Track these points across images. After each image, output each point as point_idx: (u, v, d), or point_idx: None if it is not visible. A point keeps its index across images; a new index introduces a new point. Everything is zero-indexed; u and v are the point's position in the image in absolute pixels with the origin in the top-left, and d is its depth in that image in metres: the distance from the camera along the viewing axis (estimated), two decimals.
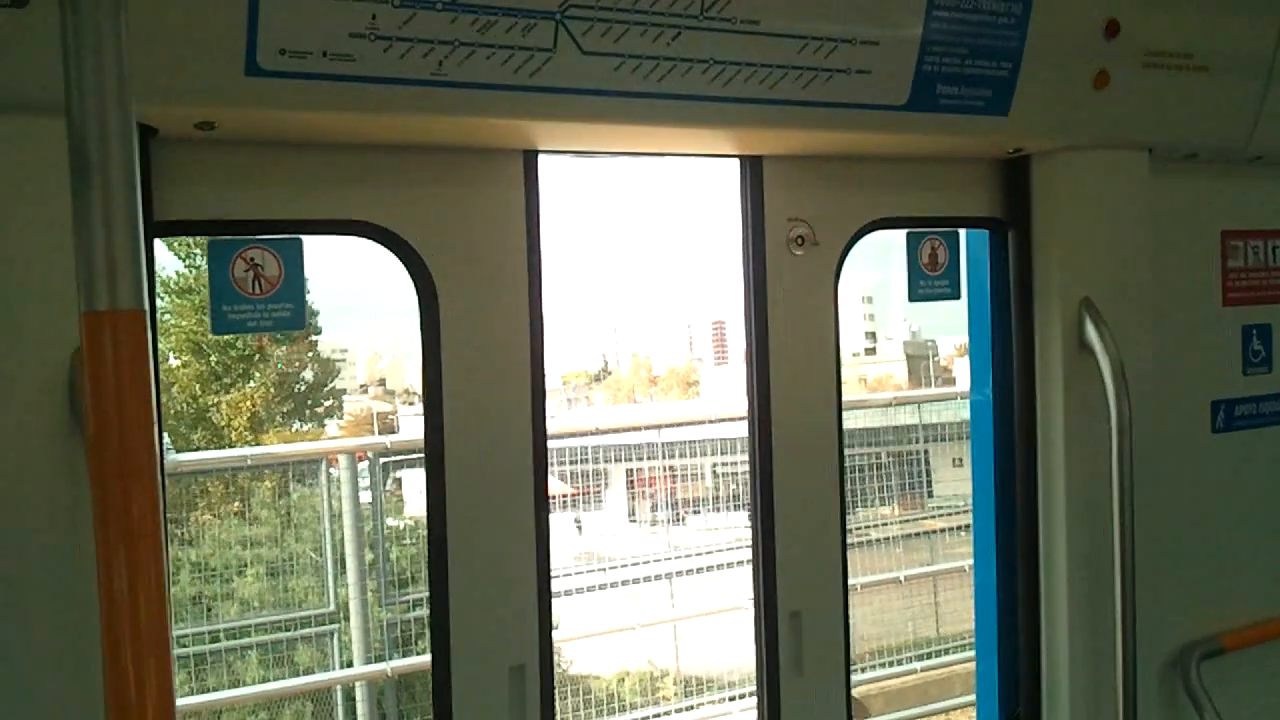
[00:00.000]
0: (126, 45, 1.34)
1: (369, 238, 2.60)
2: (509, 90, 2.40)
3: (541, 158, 2.87)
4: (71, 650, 2.10)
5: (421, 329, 2.69)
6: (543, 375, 2.81)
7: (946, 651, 11.73)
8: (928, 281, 3.39)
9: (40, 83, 1.98)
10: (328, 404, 27.25)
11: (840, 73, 2.71)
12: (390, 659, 9.63)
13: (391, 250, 2.63)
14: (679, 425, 14.24)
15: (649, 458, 13.10)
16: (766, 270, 3.09)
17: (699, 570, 11.73)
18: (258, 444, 22.81)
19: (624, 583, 11.49)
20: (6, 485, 2.05)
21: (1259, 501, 3.76)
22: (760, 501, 3.13)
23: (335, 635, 10.00)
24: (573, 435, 14.34)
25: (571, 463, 14.03)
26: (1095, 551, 3.22)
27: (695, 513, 14.76)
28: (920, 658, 11.50)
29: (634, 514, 18.71)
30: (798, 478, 3.16)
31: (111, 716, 1.38)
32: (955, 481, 14.49)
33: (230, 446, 22.53)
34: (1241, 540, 3.71)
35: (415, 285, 2.67)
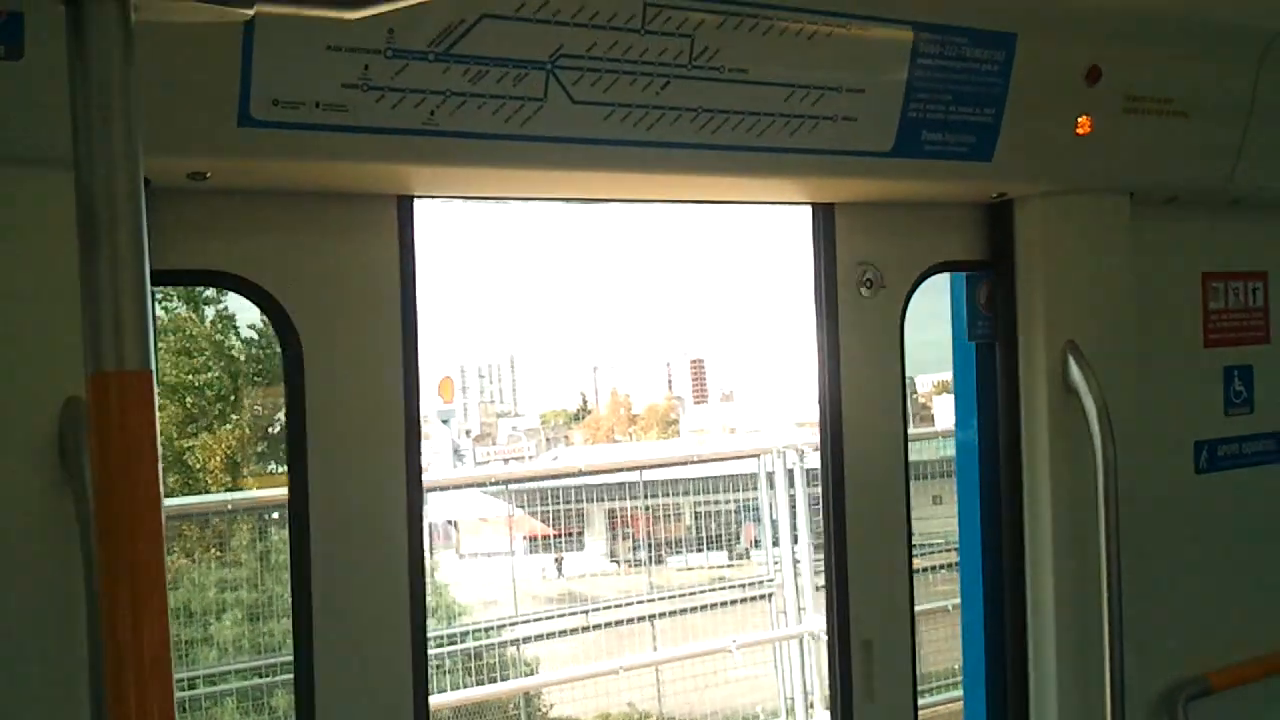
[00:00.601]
0: (137, 104, 1.35)
1: (226, 288, 2.54)
2: (499, 139, 2.41)
3: (530, 206, 2.88)
4: (62, 700, 2.08)
5: (285, 383, 2.59)
6: (418, 432, 2.72)
7: (930, 692, 11.70)
8: (985, 321, 3.44)
9: (34, 135, 1.98)
10: None
11: (827, 119, 2.74)
12: None
13: (252, 300, 2.56)
14: (661, 466, 14.21)
15: (630, 497, 13.06)
16: (839, 312, 3.20)
17: (681, 612, 11.67)
18: (236, 487, 22.68)
19: (605, 625, 11.41)
20: None
21: (1243, 541, 3.78)
22: (833, 534, 3.22)
23: None
24: (554, 477, 14.30)
25: (552, 503, 13.99)
26: (1082, 591, 3.23)
27: (675, 552, 14.71)
28: None
29: (614, 554, 18.64)
30: (867, 510, 3.26)
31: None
32: (935, 519, 14.50)
33: (206, 490, 22.40)
34: (1226, 580, 3.73)
35: (279, 338, 2.60)
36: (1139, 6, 3.07)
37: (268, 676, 10.15)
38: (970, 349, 3.51)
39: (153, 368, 1.33)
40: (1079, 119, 3.11)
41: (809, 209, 3.25)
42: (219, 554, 13.99)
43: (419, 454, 2.70)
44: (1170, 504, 3.55)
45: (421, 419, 2.73)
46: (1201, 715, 3.54)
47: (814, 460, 11.60)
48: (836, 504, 3.21)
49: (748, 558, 14.38)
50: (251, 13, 1.47)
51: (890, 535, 3.26)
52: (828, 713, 11.08)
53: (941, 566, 12.56)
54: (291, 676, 9.84)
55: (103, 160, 1.33)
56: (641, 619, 11.50)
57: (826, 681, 10.85)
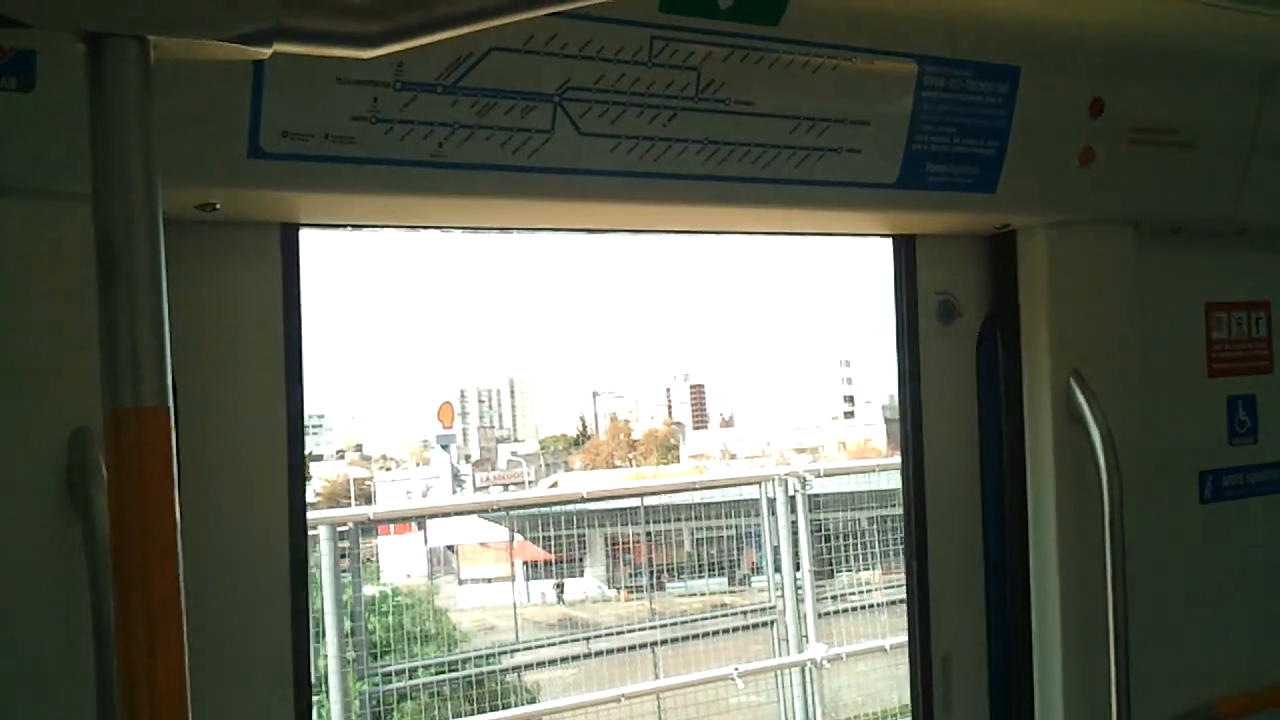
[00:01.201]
0: (155, 140, 1.36)
1: None
2: (506, 171, 2.43)
3: (532, 234, 2.88)
4: None
5: None
6: (302, 479, 2.59)
7: None
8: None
9: (44, 167, 1.99)
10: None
11: (832, 151, 2.75)
12: None
13: None
14: (661, 492, 14.21)
15: (630, 523, 13.07)
16: (919, 342, 3.31)
17: (682, 639, 11.66)
18: None
19: (606, 651, 11.40)
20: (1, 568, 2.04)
21: (1248, 570, 3.77)
22: (914, 553, 3.32)
23: (315, 708, 9.86)
24: (555, 503, 14.31)
25: (553, 529, 14.00)
26: (1087, 621, 3.23)
27: (676, 579, 14.72)
28: None
29: (614, 580, 18.62)
30: (944, 532, 3.35)
31: None
32: None
33: None
34: (1232, 610, 3.71)
35: None
36: (1142, 39, 3.07)
37: None
38: (971, 372, 3.52)
39: (170, 404, 1.34)
40: (1082, 150, 3.12)
41: (889, 240, 3.34)
42: None
43: (303, 496, 2.58)
44: (1175, 534, 3.54)
45: (308, 456, 2.54)
46: None
47: (816, 487, 11.64)
48: (918, 525, 3.30)
49: (748, 584, 14.39)
50: (269, 53, 1.48)
51: (967, 554, 3.39)
52: None
53: None
54: None
55: (121, 195, 1.34)
56: (643, 646, 11.48)
57: (826, 709, 10.91)
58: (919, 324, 3.30)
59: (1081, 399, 3.22)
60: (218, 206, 2.28)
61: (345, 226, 2.62)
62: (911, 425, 3.36)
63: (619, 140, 2.51)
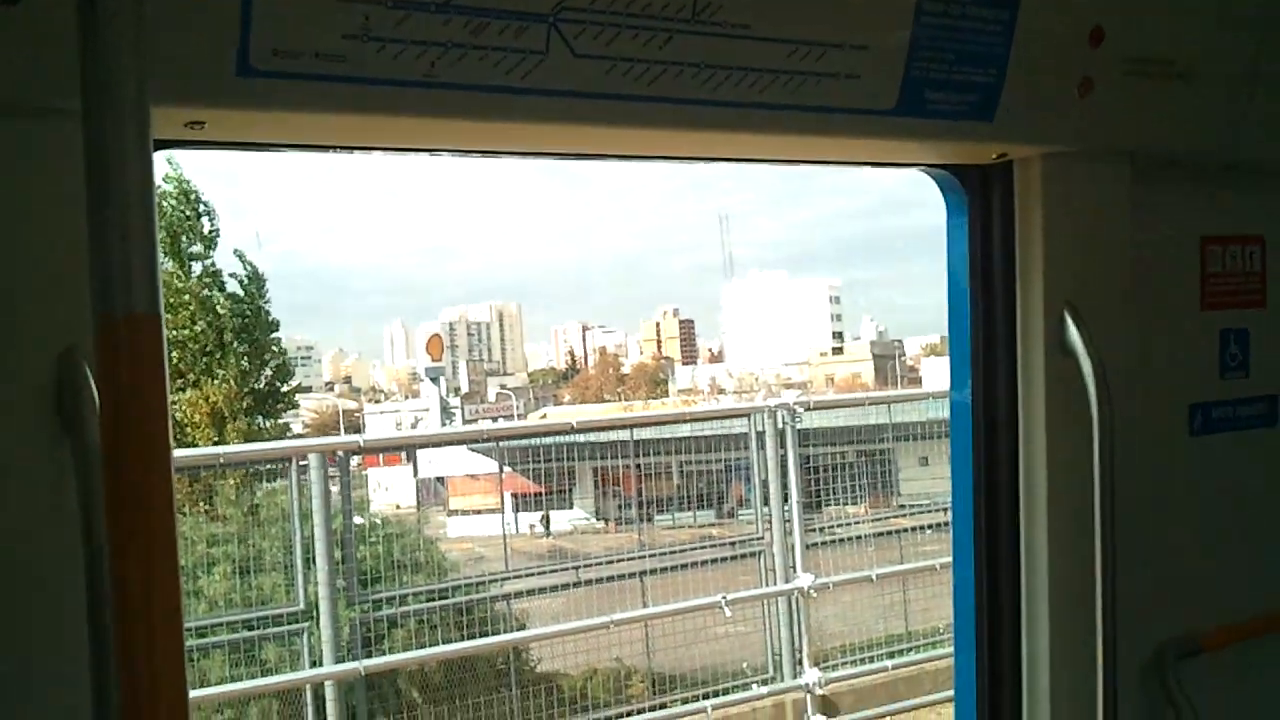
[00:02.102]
0: (146, 55, 1.34)
1: None
2: (499, 92, 2.40)
3: (525, 160, 2.84)
4: (61, 652, 2.07)
5: None
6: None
7: (916, 649, 11.83)
8: None
9: (31, 83, 1.96)
10: (285, 403, 27.07)
11: (829, 77, 2.72)
12: (360, 658, 9.61)
13: None
14: (651, 423, 14.28)
15: (619, 456, 13.13)
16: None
17: (670, 569, 11.76)
18: (222, 442, 22.76)
19: (595, 581, 11.50)
20: None
21: (1235, 503, 3.79)
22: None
23: (305, 634, 9.97)
24: (544, 434, 14.37)
25: (542, 461, 14.06)
26: (1077, 552, 3.24)
27: (663, 511, 14.83)
28: (890, 655, 11.60)
29: (602, 512, 18.77)
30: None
31: (127, 706, 1.36)
32: (921, 480, 14.63)
33: (192, 445, 22.50)
34: (1218, 542, 3.74)
35: None
36: None
37: (257, 629, 10.18)
38: (966, 310, 3.50)
39: (160, 312, 1.33)
40: (1081, 80, 3.08)
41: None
42: (208, 508, 14.06)
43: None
44: (1164, 466, 3.55)
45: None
46: (1191, 675, 3.56)
47: (805, 421, 11.69)
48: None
49: (735, 517, 14.51)
50: None
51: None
52: (816, 669, 11.28)
53: (928, 527, 12.70)
54: (280, 629, 9.86)
55: (112, 113, 1.32)
56: (631, 575, 11.59)
57: (812, 638, 11.06)
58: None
59: (1074, 330, 3.22)
60: (206, 125, 2.25)
61: (336, 148, 2.58)
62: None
63: (614, 63, 2.47)
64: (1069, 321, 3.25)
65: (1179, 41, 3.24)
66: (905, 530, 12.74)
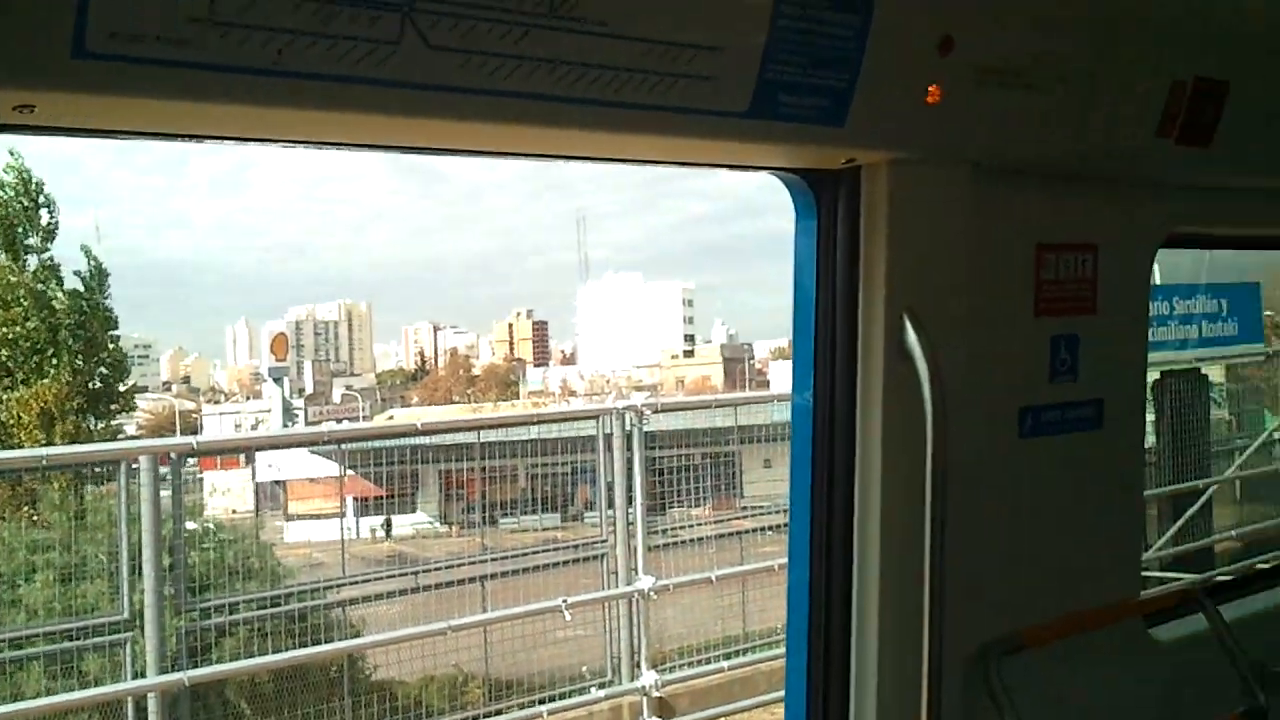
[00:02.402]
0: None
1: None
2: (349, 82, 2.29)
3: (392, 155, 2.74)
4: None
5: None
6: None
7: (753, 650, 11.94)
8: None
9: None
10: (120, 403, 26.24)
11: (684, 77, 2.69)
12: (186, 669, 9.26)
13: None
14: (498, 425, 14.13)
15: (465, 459, 12.97)
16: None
17: (512, 573, 11.65)
18: (50, 444, 21.87)
19: (435, 586, 11.31)
20: None
21: (1061, 503, 3.89)
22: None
23: (129, 644, 9.56)
24: (388, 436, 14.11)
25: (385, 464, 13.81)
26: (907, 552, 3.27)
27: (509, 514, 14.72)
28: (727, 656, 11.68)
29: (446, 516, 18.54)
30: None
31: None
32: (765, 482, 14.84)
33: (18, 446, 21.58)
34: (1044, 541, 3.82)
35: None
36: None
37: (78, 639, 9.73)
38: (810, 314, 3.52)
39: None
40: (930, 88, 3.12)
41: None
42: (31, 513, 13.45)
43: None
44: (995, 468, 3.62)
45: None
46: (1013, 670, 3.63)
47: (653, 423, 11.72)
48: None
49: (582, 520, 14.49)
50: None
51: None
52: (653, 672, 11.29)
53: (770, 528, 12.86)
54: (103, 639, 9.40)
55: None
56: (472, 580, 11.45)
57: (652, 640, 11.08)
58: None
59: (912, 334, 3.26)
60: (35, 109, 2.10)
61: (177, 136, 2.47)
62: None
63: (469, 56, 2.40)
64: (908, 326, 3.27)
65: (1025, 52, 3.30)
66: (747, 532, 12.89)
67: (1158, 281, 14.53)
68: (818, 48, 2.88)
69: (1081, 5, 3.34)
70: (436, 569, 11.89)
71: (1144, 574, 11.82)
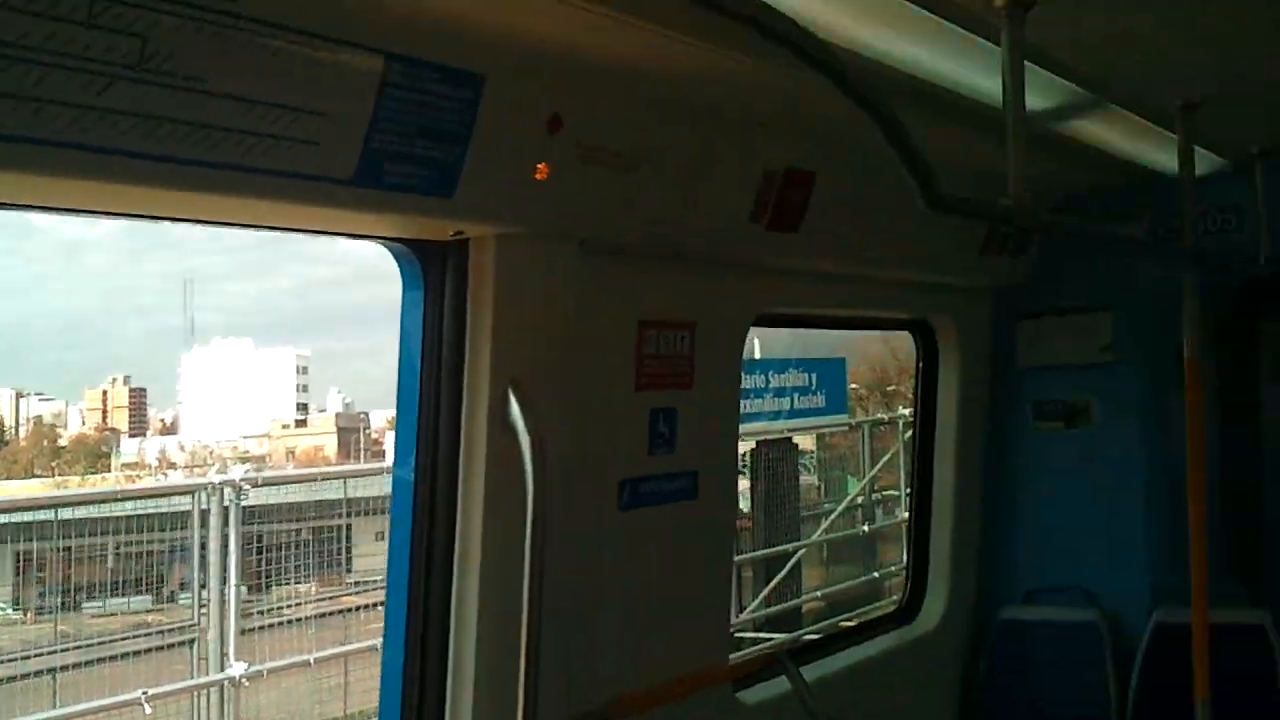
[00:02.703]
0: None
1: None
2: None
3: None
4: None
5: None
6: None
7: None
8: None
9: None
10: None
11: (287, 140, 2.58)
12: None
13: None
14: (82, 502, 13.04)
15: (42, 538, 11.87)
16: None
17: (92, 662, 10.72)
18: None
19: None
20: None
21: (657, 573, 3.99)
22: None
23: None
24: None
25: None
26: (505, 624, 3.26)
27: (92, 598, 13.61)
28: None
29: (20, 601, 16.95)
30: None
31: None
32: (377, 556, 14.50)
33: None
34: (641, 610, 3.91)
35: None
36: (601, 61, 3.14)
37: None
38: (415, 386, 3.45)
39: None
40: (538, 165, 3.15)
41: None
42: None
43: None
44: (595, 540, 3.70)
45: None
46: None
47: (255, 497, 11.17)
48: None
49: (175, 601, 13.61)
50: None
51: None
52: None
53: (380, 604, 12.52)
54: None
55: None
56: (40, 672, 10.41)
57: None
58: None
59: (516, 409, 3.26)
60: None
61: None
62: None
63: (41, 104, 2.18)
64: (512, 400, 3.28)
65: (631, 136, 3.41)
66: (354, 609, 12.53)
67: (757, 356, 15.49)
68: (427, 119, 2.84)
69: (684, 94, 3.48)
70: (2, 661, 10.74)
71: (739, 635, 12.44)
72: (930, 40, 3.29)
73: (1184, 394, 4.63)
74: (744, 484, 13.93)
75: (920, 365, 5.84)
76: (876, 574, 15.21)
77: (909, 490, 6.39)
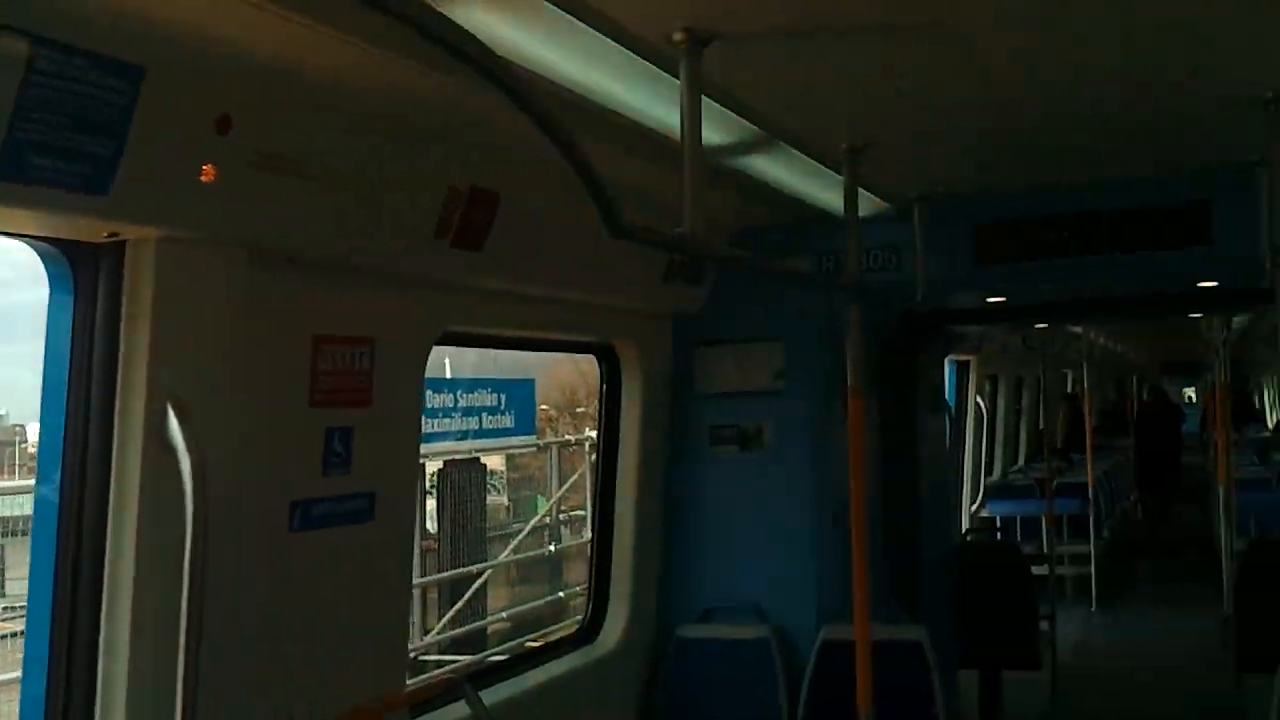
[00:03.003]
0: None
1: None
2: None
3: None
4: None
5: None
6: None
7: None
8: None
9: None
10: None
11: None
12: None
13: None
14: None
15: None
16: None
17: None
18: None
19: None
20: None
21: (331, 598, 3.87)
22: None
23: None
24: None
25: None
26: (161, 653, 3.09)
27: None
28: None
29: None
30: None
31: None
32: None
33: None
34: (314, 638, 3.79)
35: None
36: (272, 62, 3.03)
37: None
38: (62, 399, 3.21)
39: None
40: (204, 166, 2.99)
41: None
42: None
43: None
44: (264, 565, 3.54)
45: None
46: None
47: None
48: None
49: None
50: None
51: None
52: None
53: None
54: None
55: None
56: None
57: None
58: None
59: (175, 425, 3.08)
60: None
61: None
62: None
63: None
64: (171, 416, 3.09)
65: (307, 142, 3.29)
66: (5, 636, 11.59)
67: (448, 375, 15.37)
68: (80, 110, 2.66)
69: (366, 105, 3.41)
70: None
71: (423, 659, 12.28)
72: (615, 70, 3.37)
73: (848, 422, 4.90)
74: (431, 504, 13.78)
75: (604, 388, 5.96)
76: (562, 594, 15.36)
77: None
